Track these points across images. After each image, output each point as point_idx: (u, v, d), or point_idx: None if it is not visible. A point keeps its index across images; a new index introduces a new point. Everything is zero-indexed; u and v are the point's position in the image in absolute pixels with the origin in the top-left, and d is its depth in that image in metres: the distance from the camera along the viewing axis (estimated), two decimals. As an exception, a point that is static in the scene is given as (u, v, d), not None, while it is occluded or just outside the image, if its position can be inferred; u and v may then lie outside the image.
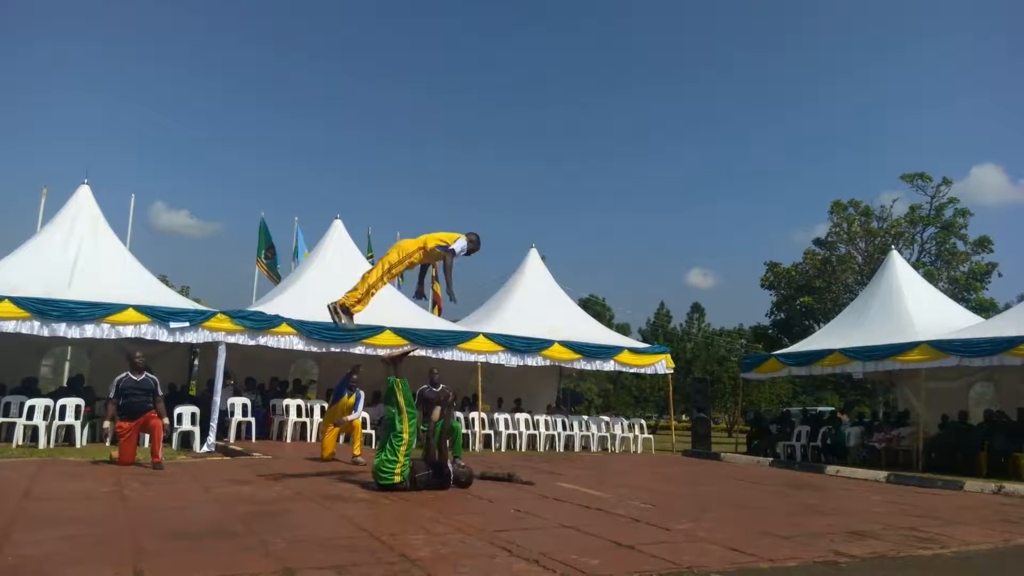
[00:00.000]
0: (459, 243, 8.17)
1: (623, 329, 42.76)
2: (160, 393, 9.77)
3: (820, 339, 18.26)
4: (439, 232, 8.50)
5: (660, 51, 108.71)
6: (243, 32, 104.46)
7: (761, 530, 6.19)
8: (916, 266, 28.35)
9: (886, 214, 36.09)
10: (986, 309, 29.38)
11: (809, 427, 17.36)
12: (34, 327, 11.71)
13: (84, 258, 13.60)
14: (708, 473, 12.48)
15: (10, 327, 11.57)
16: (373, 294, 8.36)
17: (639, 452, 17.34)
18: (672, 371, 18.63)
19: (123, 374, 9.51)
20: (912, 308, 16.76)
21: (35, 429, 11.81)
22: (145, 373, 9.59)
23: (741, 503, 8.31)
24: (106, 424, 9.92)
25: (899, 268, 18.33)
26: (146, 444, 9.95)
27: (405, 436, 7.58)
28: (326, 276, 16.41)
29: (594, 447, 17.15)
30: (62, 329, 11.91)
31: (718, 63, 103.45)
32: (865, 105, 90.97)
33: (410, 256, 8.21)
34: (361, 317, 14.51)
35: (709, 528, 6.14)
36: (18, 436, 11.65)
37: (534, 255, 19.66)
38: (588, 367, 17.68)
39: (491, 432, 15.91)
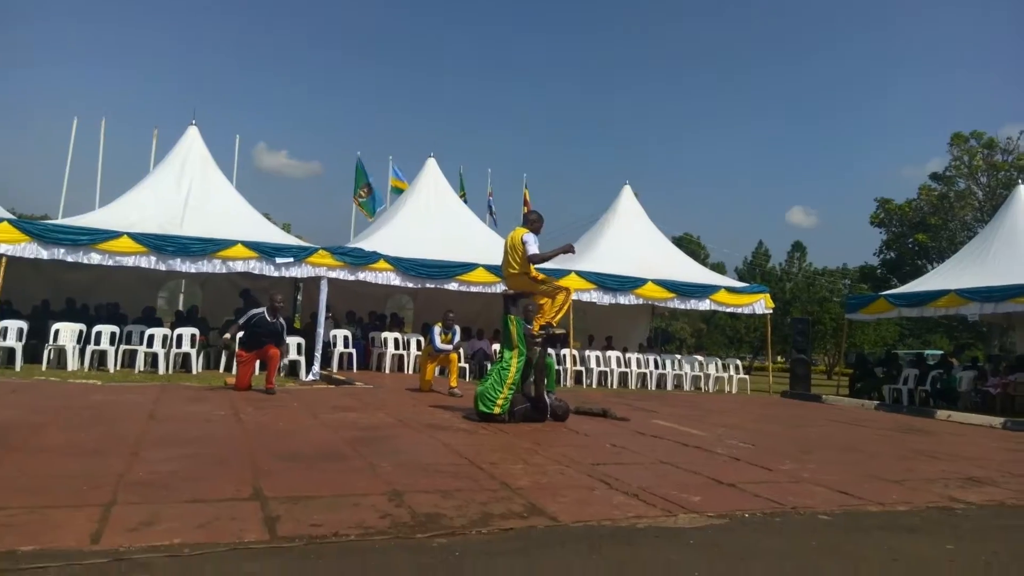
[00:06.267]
0: (531, 241, 7.80)
1: (718, 268, 41.73)
2: (286, 339, 10.26)
3: (934, 279, 17.28)
4: (511, 237, 8.16)
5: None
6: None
7: (869, 473, 5.97)
8: (1045, 202, 26.16)
9: (1012, 146, 33.35)
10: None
11: (918, 370, 16.59)
12: (151, 262, 12.42)
13: (195, 196, 14.25)
14: (809, 415, 12.14)
15: (130, 261, 12.31)
16: (555, 299, 8.10)
17: (734, 392, 17.04)
18: (771, 311, 18.09)
19: (260, 310, 10.03)
20: (1038, 247, 15.56)
21: (155, 356, 12.64)
22: (279, 317, 10.09)
23: (846, 446, 8.04)
24: (226, 335, 10.54)
25: (1026, 204, 16.97)
26: (257, 372, 10.53)
27: (512, 370, 7.71)
28: (422, 214, 16.66)
29: (687, 386, 16.97)
30: (177, 264, 12.57)
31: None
32: (986, 26, 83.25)
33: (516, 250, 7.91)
34: (457, 250, 14.74)
35: (813, 470, 5.97)
36: (139, 363, 12.50)
37: (627, 192, 19.24)
38: (682, 306, 17.35)
39: (582, 369, 15.97)
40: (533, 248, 7.79)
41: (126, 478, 4.20)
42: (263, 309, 10.01)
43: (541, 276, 8.14)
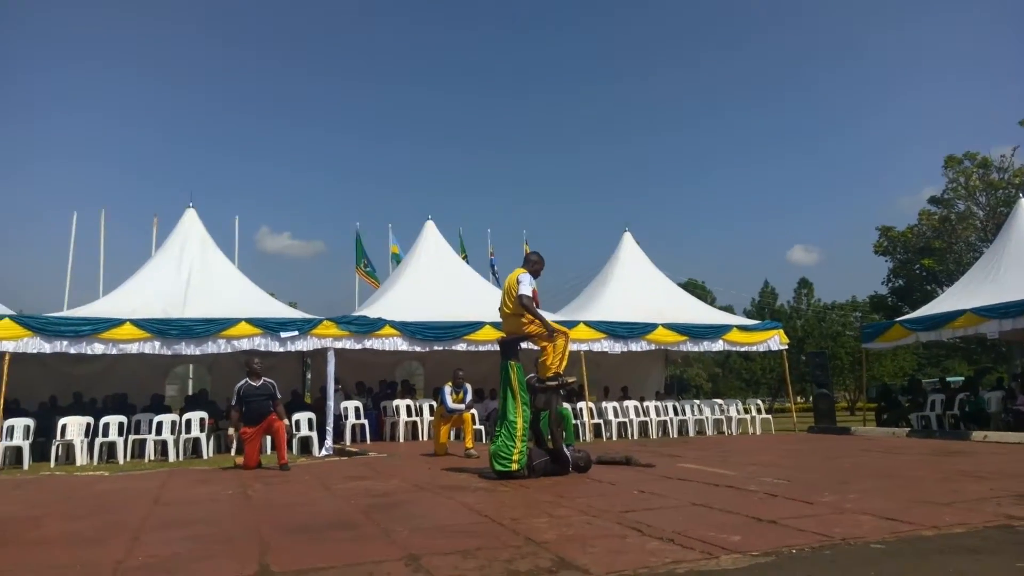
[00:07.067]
0: (524, 281, 7.45)
1: (727, 311, 41.41)
2: (279, 396, 9.99)
3: (947, 301, 16.94)
4: (508, 278, 7.87)
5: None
6: (319, 64, 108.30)
7: (915, 498, 5.62)
8: (1047, 215, 25.98)
9: (1007, 164, 33.37)
10: None
11: (943, 395, 16.16)
12: (155, 347, 12.25)
13: (196, 277, 14.19)
14: (840, 447, 11.71)
15: (134, 348, 12.16)
16: (555, 345, 7.66)
17: (758, 433, 16.56)
18: (786, 347, 17.74)
19: (242, 381, 9.76)
20: (1050, 258, 15.32)
21: (164, 444, 12.34)
22: (263, 379, 9.83)
23: (885, 473, 7.66)
24: (231, 431, 10.18)
25: (1030, 216, 16.77)
26: (268, 451, 10.21)
27: (519, 423, 7.39)
28: (424, 277, 16.56)
29: (709, 431, 16.52)
30: (182, 347, 12.40)
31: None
32: (968, 52, 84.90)
33: (512, 291, 7.60)
34: (462, 311, 14.55)
35: (856, 499, 5.62)
36: (149, 451, 12.21)
37: (628, 238, 19.13)
38: (696, 349, 17.00)
39: (600, 422, 15.57)
40: (526, 289, 7.39)
41: (124, 564, 3.92)
42: (245, 380, 9.75)
43: (532, 317, 7.58)
